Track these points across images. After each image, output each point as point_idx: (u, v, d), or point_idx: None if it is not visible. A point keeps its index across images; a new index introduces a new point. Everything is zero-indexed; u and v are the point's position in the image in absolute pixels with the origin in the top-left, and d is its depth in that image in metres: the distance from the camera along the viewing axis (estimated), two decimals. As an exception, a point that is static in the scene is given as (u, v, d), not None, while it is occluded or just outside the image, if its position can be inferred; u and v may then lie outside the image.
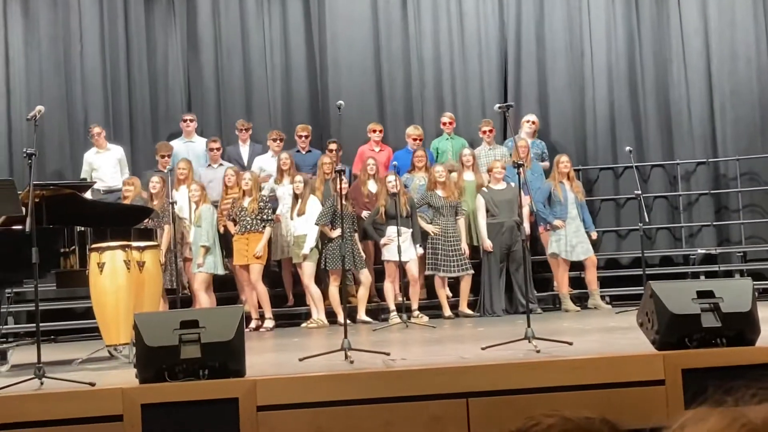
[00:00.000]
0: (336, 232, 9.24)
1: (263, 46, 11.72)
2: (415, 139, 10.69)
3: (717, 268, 10.86)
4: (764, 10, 11.64)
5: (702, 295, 5.10)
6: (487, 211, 9.79)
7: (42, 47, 11.39)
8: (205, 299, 9.38)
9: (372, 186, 9.95)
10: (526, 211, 9.62)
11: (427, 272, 9.76)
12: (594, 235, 10.09)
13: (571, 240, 9.89)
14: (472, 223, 10.07)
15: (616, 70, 11.70)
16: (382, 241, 9.56)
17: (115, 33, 11.51)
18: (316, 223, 9.44)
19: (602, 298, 10.12)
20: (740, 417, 0.92)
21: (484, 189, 9.90)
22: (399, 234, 9.29)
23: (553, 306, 10.33)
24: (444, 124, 10.91)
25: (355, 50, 11.78)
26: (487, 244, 9.74)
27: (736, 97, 11.51)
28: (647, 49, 11.73)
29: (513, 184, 9.82)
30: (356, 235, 9.61)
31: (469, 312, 9.75)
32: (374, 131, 10.76)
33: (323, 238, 9.53)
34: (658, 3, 11.81)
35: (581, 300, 10.23)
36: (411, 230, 9.57)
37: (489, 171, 9.99)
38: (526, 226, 9.77)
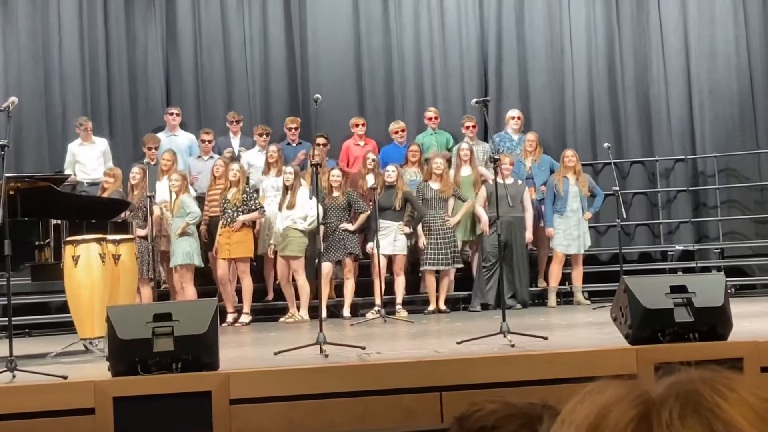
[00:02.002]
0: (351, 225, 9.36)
1: (243, 41, 11.68)
2: (396, 132, 10.69)
3: (695, 265, 10.92)
4: (744, 8, 11.68)
5: (675, 289, 5.12)
6: (490, 204, 9.77)
7: (20, 39, 11.29)
8: (191, 292, 9.33)
9: (371, 180, 9.92)
10: (527, 201, 9.85)
11: (422, 267, 9.76)
12: (588, 215, 10.17)
13: (572, 232, 9.97)
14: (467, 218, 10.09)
15: (595, 67, 11.73)
16: (368, 247, 9.54)
17: (94, 26, 11.43)
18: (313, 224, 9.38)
19: (582, 293, 10.17)
20: (636, 388, 0.92)
21: (489, 182, 9.85)
22: (377, 228, 9.29)
23: (533, 302, 10.34)
24: (429, 119, 10.91)
25: (335, 45, 11.76)
26: (485, 219, 9.73)
27: (715, 95, 11.57)
28: (627, 46, 11.77)
29: (520, 182, 9.92)
30: (343, 224, 9.57)
31: (445, 308, 9.76)
32: (357, 125, 10.76)
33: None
34: (638, 0, 11.85)
35: (561, 296, 10.27)
36: (399, 223, 9.54)
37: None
38: (529, 223, 9.88)
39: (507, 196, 8.83)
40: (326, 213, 9.35)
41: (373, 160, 10.03)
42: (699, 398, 0.89)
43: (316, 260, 9.37)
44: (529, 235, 9.93)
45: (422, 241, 9.67)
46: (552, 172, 10.43)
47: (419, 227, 9.69)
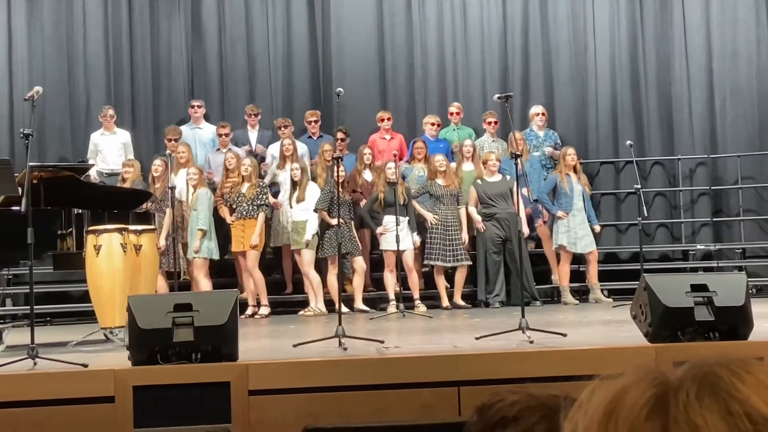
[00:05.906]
0: (335, 220, 9.24)
1: (266, 34, 11.71)
2: (433, 124, 10.72)
3: (715, 264, 10.84)
4: (766, 8, 11.60)
5: (696, 288, 5.09)
6: (482, 202, 9.83)
7: (45, 31, 11.37)
8: (205, 284, 9.37)
9: (368, 175, 9.95)
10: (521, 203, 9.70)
11: (424, 260, 9.74)
12: (597, 228, 10.09)
13: (577, 232, 9.89)
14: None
15: (618, 65, 11.67)
16: (378, 230, 9.57)
17: (118, 17, 11.50)
18: (314, 209, 9.45)
19: (601, 291, 10.10)
20: (654, 371, 0.92)
21: (477, 181, 9.91)
22: (397, 223, 9.31)
23: (552, 299, 10.32)
24: (451, 114, 10.92)
25: (358, 39, 11.76)
26: (477, 218, 9.75)
27: (736, 95, 11.49)
28: (650, 44, 11.71)
29: (508, 177, 9.85)
30: (353, 222, 9.62)
31: (462, 303, 9.74)
32: (383, 120, 10.78)
33: (321, 226, 9.53)
34: (662, -1, 11.80)
35: (580, 294, 10.22)
36: (408, 219, 9.58)
37: (484, 163, 9.98)
38: (523, 218, 9.80)
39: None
40: (340, 207, 9.35)
41: (370, 155, 10.07)
42: (716, 380, 0.89)
43: (320, 252, 9.50)
44: (525, 230, 9.85)
45: (430, 217, 9.68)
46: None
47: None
